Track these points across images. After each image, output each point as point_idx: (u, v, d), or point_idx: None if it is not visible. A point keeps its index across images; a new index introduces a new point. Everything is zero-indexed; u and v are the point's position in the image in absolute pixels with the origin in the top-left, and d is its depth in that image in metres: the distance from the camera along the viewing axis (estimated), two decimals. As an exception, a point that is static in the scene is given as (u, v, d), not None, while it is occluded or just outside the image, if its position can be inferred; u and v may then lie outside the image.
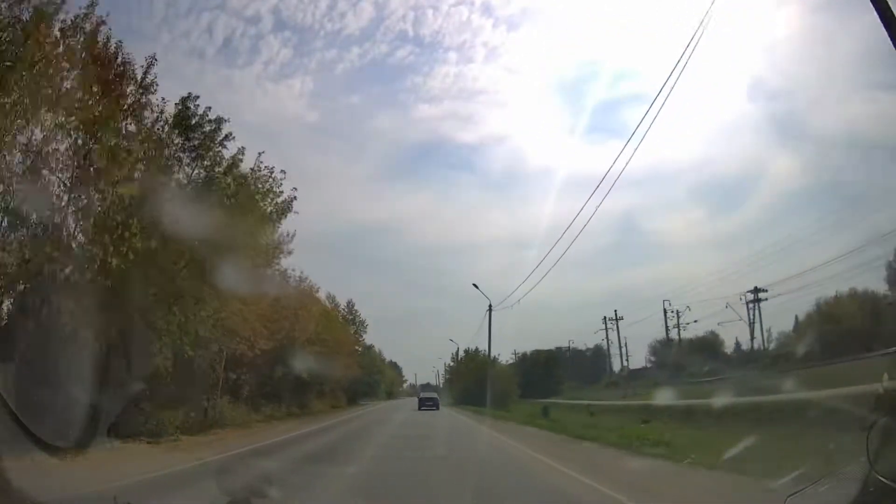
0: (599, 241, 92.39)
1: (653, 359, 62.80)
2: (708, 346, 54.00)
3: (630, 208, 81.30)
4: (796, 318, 46.88)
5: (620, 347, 66.89)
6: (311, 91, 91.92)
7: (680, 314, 56.18)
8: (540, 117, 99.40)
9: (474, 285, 44.46)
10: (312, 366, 33.64)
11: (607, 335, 66.35)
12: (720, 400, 21.43)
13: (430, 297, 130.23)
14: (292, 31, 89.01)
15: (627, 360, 66.07)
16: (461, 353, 74.19)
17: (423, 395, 57.21)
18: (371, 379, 77.81)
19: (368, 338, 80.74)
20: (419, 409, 47.55)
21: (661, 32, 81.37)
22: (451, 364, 79.93)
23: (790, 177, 71.04)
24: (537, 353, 68.96)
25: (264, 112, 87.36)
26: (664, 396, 29.56)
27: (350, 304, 69.43)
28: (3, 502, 6.90)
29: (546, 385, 60.54)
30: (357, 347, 67.85)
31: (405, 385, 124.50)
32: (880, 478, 3.41)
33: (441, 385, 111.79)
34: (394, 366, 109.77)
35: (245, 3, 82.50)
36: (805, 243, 63.41)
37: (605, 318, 66.34)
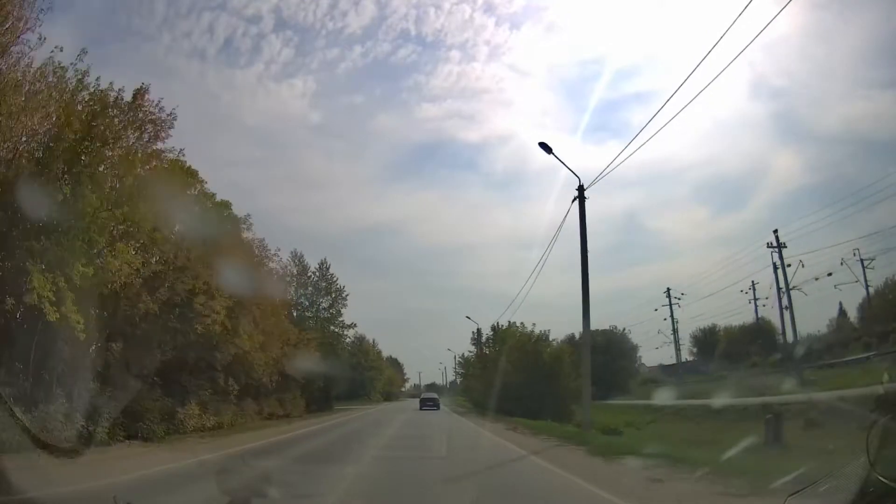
0: (603, 241, 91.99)
1: (694, 350, 55.59)
2: (760, 333, 46.53)
3: (634, 207, 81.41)
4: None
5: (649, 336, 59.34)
6: (314, 91, 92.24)
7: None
8: (543, 116, 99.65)
9: (542, 146, 21.26)
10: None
11: (671, 311, 53.49)
12: None
13: (433, 298, 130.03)
14: (294, 31, 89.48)
15: (679, 349, 55.61)
16: (487, 333, 49.23)
17: (424, 395, 60.61)
18: (362, 376, 65.36)
19: (369, 338, 75.23)
20: (420, 408, 49.34)
21: (663, 31, 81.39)
22: (470, 352, 56.13)
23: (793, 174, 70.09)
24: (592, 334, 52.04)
25: (266, 112, 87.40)
26: None
27: (324, 265, 53.09)
28: (4, 501, 6.90)
29: (610, 379, 45.52)
30: (335, 330, 52.14)
31: (407, 385, 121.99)
32: (880, 478, 3.41)
33: (447, 385, 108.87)
34: (394, 363, 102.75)
35: (246, 2, 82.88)
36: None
37: (667, 289, 53.68)
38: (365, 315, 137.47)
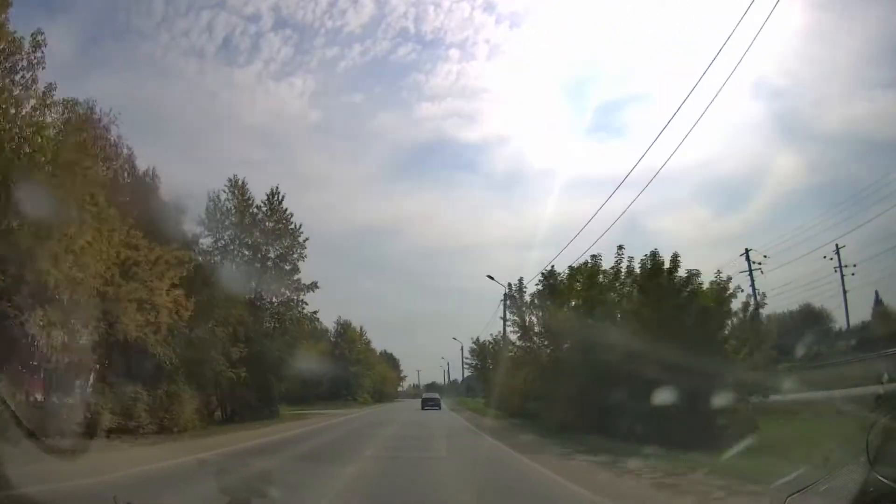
0: (604, 242, 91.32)
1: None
2: (812, 319, 42.27)
3: (634, 208, 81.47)
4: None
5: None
6: (313, 90, 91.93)
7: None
8: (543, 116, 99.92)
9: None
10: None
11: (752, 279, 38.75)
12: None
13: (434, 298, 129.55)
14: (293, 29, 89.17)
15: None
16: (531, 282, 30.54)
17: (425, 395, 63.82)
18: (345, 371, 59.84)
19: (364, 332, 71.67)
20: (422, 408, 52.34)
21: (663, 33, 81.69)
22: (507, 320, 36.67)
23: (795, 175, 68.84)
24: None
25: (266, 112, 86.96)
26: None
27: (274, 196, 34.32)
28: (4, 500, 6.89)
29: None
30: (286, 293, 34.72)
31: (405, 385, 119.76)
32: (880, 478, 3.45)
33: (447, 384, 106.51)
34: (388, 358, 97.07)
35: (245, 0, 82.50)
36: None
37: (746, 251, 41.19)
38: (365, 315, 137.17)
